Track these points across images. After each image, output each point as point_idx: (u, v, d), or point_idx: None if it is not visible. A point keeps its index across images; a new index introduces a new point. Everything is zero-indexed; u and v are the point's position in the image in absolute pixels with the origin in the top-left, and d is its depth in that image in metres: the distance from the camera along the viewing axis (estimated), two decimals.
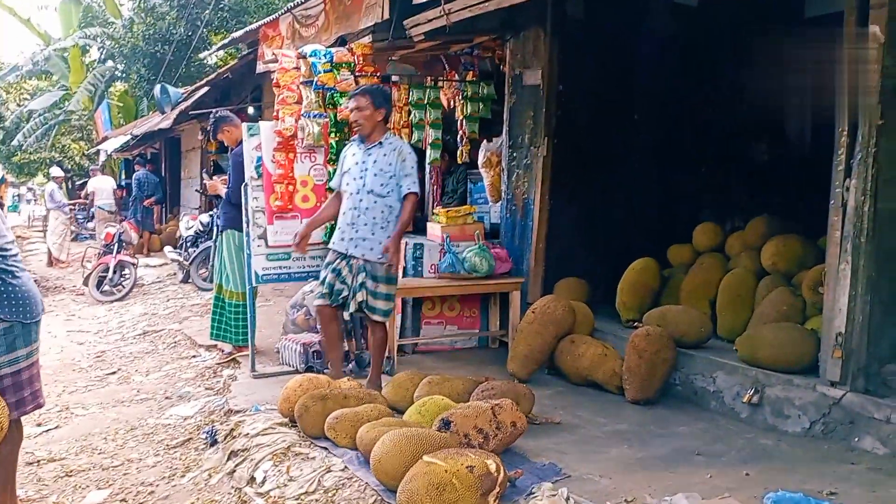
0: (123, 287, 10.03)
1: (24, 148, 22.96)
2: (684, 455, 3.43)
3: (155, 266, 12.08)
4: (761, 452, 3.47)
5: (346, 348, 5.18)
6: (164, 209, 17.15)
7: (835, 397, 3.54)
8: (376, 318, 4.35)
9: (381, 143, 4.34)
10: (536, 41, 5.42)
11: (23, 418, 3.21)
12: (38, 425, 4.82)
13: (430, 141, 6.03)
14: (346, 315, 4.82)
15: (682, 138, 6.09)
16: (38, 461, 4.28)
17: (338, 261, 4.35)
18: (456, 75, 6.25)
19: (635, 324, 4.70)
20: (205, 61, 18.56)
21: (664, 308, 4.63)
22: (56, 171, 15.42)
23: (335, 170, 5.09)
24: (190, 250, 10.27)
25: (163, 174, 17.72)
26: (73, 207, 16.61)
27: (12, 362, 3.03)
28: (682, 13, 5.37)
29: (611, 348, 4.49)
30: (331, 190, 4.86)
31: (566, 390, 4.46)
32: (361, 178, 4.32)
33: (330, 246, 4.46)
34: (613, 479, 3.12)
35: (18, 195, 37.18)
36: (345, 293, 4.32)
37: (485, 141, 6.19)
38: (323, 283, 4.39)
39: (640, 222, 5.83)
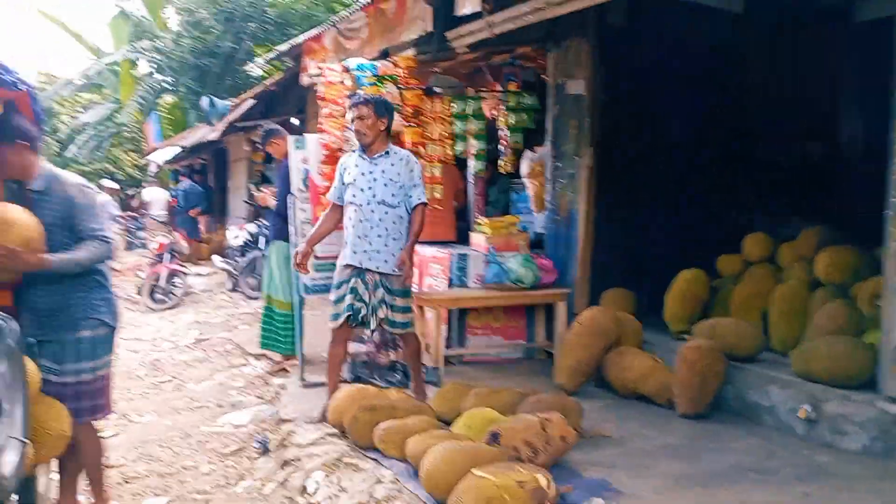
0: (175, 295, 10.28)
1: (77, 160, 23.72)
2: (738, 471, 3.38)
3: (205, 275, 12.35)
4: (818, 470, 3.40)
5: (393, 359, 5.24)
6: (211, 219, 17.53)
7: (895, 414, 3.45)
8: (398, 331, 4.32)
9: (387, 152, 4.24)
10: (579, 51, 5.41)
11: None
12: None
13: (474, 152, 6.06)
14: (367, 332, 4.93)
15: (728, 146, 6.01)
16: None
17: (353, 279, 4.21)
18: (498, 86, 6.27)
19: (685, 336, 4.65)
20: (250, 73, 18.92)
21: (714, 320, 4.56)
22: (109, 184, 15.89)
23: None
24: (238, 259, 10.49)
25: (210, 185, 18.11)
26: (125, 218, 17.09)
27: (106, 366, 3.26)
28: (727, 19, 5.30)
29: (660, 361, 4.44)
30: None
31: (614, 403, 4.43)
32: (370, 188, 4.20)
33: (340, 262, 4.30)
34: (665, 496, 3.09)
35: None
36: (363, 312, 4.23)
37: (528, 151, 6.20)
38: (339, 302, 4.25)
39: (687, 232, 5.76)
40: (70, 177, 3.22)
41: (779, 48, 5.72)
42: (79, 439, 3.25)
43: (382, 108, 4.25)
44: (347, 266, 4.24)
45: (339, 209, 4.37)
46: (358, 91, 5.06)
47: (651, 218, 5.73)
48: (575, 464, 3.41)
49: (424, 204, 4.28)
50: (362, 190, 4.21)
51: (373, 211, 4.20)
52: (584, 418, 3.87)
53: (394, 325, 4.27)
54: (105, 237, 3.15)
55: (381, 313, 4.21)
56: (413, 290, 4.45)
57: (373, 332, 4.77)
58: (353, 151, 4.39)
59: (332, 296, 4.32)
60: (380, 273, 4.18)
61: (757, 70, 5.91)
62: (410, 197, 4.24)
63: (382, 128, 4.24)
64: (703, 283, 5.03)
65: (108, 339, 3.29)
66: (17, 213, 2.94)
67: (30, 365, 2.98)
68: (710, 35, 5.62)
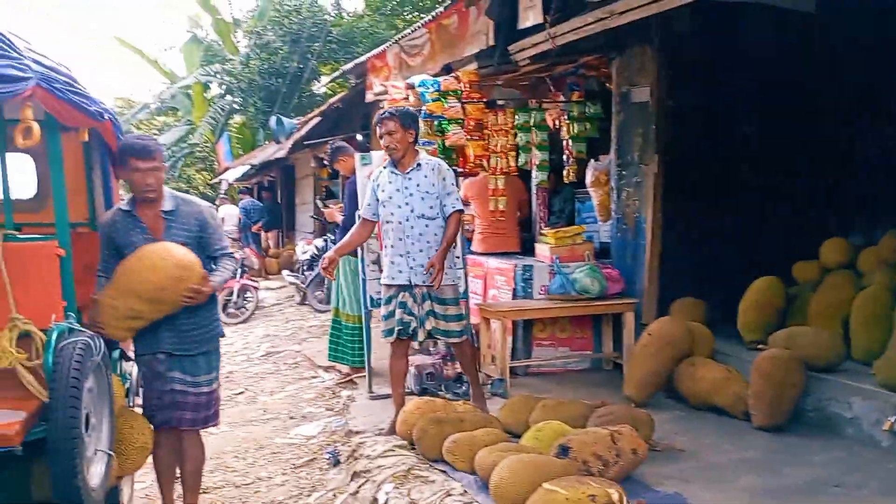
0: (247, 309, 10.58)
1: None
2: (820, 486, 3.25)
3: (274, 289, 12.67)
4: None
5: (459, 371, 5.25)
6: (279, 234, 17.99)
7: None
8: (454, 340, 4.31)
9: (419, 165, 4.19)
10: (643, 57, 5.35)
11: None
12: None
13: (538, 163, 6.05)
14: (415, 344, 4.86)
15: (801, 150, 5.81)
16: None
17: (401, 293, 4.20)
18: (561, 96, 6.24)
19: (759, 346, 4.50)
20: (315, 92, 19.40)
21: (791, 329, 4.41)
22: None
23: None
24: (306, 273, 10.72)
25: (279, 201, 18.60)
26: None
27: (218, 378, 3.52)
28: (798, 19, 5.15)
29: (734, 371, 4.32)
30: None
31: (686, 415, 4.32)
32: (407, 204, 4.16)
33: (386, 282, 4.28)
34: None
35: None
36: (413, 325, 4.22)
37: (592, 160, 6.14)
38: (389, 317, 4.26)
39: (760, 238, 5.59)
40: (196, 198, 3.54)
41: (861, 47, 5.49)
42: (188, 447, 3.52)
43: (409, 120, 4.21)
44: (396, 286, 4.24)
45: (370, 224, 4.39)
46: (423, 106, 5.13)
47: (722, 225, 5.59)
48: (647, 477, 3.35)
49: (460, 211, 4.25)
50: (399, 207, 4.19)
51: (412, 226, 4.17)
52: (656, 430, 3.79)
53: (448, 335, 4.28)
54: (232, 254, 3.49)
55: (429, 325, 4.22)
56: (464, 297, 4.48)
57: (420, 343, 4.82)
58: (384, 167, 4.35)
59: (382, 311, 4.34)
60: (427, 286, 4.18)
61: (834, 71, 5.69)
62: (445, 206, 4.21)
63: (411, 139, 4.23)
64: (778, 291, 4.86)
65: (219, 350, 3.57)
66: (186, 253, 3.17)
67: (114, 380, 3.14)
68: (783, 35, 5.46)
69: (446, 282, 4.18)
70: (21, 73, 2.21)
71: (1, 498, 2.50)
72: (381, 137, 4.25)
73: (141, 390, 3.60)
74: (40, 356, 2.71)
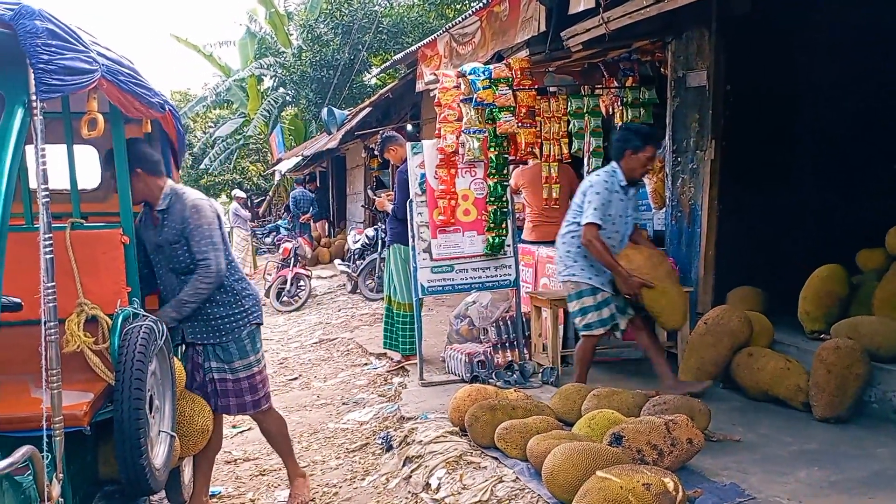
0: (300, 298, 10.78)
1: (209, 171, 25.35)
2: (886, 479, 3.14)
3: (326, 277, 12.86)
4: None
5: (510, 359, 5.25)
6: (330, 224, 18.23)
7: None
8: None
9: (636, 181, 4.45)
10: (700, 41, 5.22)
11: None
12: (234, 426, 5.29)
13: (591, 149, 5.97)
14: (492, 335, 5.32)
15: (865, 133, 5.59)
16: (236, 460, 4.71)
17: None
18: (615, 82, 6.14)
19: (821, 336, 4.38)
20: (366, 83, 19.54)
21: (855, 318, 4.26)
22: (238, 192, 16.88)
23: (497, 183, 5.20)
24: (357, 262, 10.85)
25: (330, 191, 18.84)
26: (254, 224, 18.09)
27: (260, 361, 3.60)
28: (861, 1, 4.96)
29: (794, 362, 4.20)
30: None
31: (744, 406, 4.23)
32: (629, 217, 4.45)
33: (603, 287, 4.37)
34: (804, 503, 2.92)
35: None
36: (620, 321, 4.41)
37: None
38: (598, 310, 4.40)
39: (823, 225, 5.42)
40: (190, 195, 3.41)
41: None
42: (266, 424, 3.77)
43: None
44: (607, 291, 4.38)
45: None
46: (473, 94, 5.10)
47: (781, 212, 5.44)
48: (703, 468, 3.29)
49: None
50: (626, 222, 4.42)
51: (622, 240, 4.42)
52: (713, 421, 3.72)
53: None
54: (203, 261, 3.32)
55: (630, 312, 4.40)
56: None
57: (498, 334, 5.26)
58: (612, 181, 4.35)
59: (594, 317, 4.39)
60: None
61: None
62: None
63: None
64: (841, 280, 4.71)
65: (259, 333, 3.64)
66: None
67: (176, 363, 3.23)
68: (845, 17, 5.26)
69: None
70: (88, 66, 2.28)
71: (70, 476, 2.60)
72: (648, 160, 4.38)
73: None
74: (107, 340, 2.81)
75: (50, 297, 2.18)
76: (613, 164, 4.38)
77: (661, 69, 5.86)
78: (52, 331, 2.19)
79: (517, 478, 3.36)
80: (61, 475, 2.28)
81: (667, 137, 5.59)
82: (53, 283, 2.20)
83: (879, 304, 4.45)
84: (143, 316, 2.90)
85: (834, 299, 4.66)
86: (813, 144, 5.57)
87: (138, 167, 3.24)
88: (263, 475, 4.40)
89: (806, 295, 4.72)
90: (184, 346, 3.54)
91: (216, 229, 3.37)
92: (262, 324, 3.65)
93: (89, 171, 4.00)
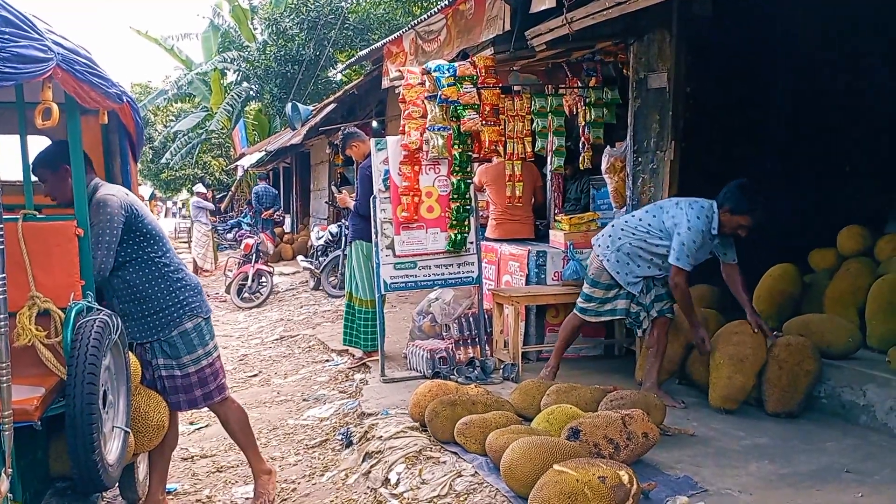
0: (261, 294, 10.67)
1: (170, 166, 24.94)
2: (832, 472, 3.24)
3: (288, 274, 12.75)
4: None
5: (471, 355, 5.28)
6: (293, 220, 18.08)
7: None
8: (670, 315, 4.43)
9: None
10: (662, 43, 5.29)
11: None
12: (191, 423, 5.23)
13: (554, 148, 6.03)
14: (454, 331, 5.34)
15: (821, 136, 5.75)
16: (193, 457, 4.65)
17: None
18: (578, 82, 6.21)
19: (774, 333, 4.48)
20: (331, 78, 19.42)
21: (806, 316, 4.39)
22: (199, 188, 16.62)
23: (460, 180, 5.22)
24: (320, 259, 10.79)
25: (294, 187, 18.68)
26: (215, 220, 17.84)
27: (210, 353, 3.53)
28: (820, 5, 5.09)
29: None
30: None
31: (699, 401, 4.32)
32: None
33: (624, 284, 4.41)
34: (755, 496, 3.00)
35: (166, 209, 40.29)
36: (642, 314, 4.43)
37: (608, 147, 6.11)
38: (606, 302, 4.46)
39: (777, 226, 5.54)
40: (102, 191, 3.23)
41: (884, 33, 5.41)
42: (222, 415, 3.68)
43: None
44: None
45: None
46: (438, 91, 5.11)
47: None
48: (658, 461, 3.36)
49: None
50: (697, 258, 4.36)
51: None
52: (668, 415, 3.80)
53: (663, 313, 4.41)
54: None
55: (655, 310, 4.40)
56: None
57: (460, 330, 5.29)
58: (708, 228, 4.28)
59: (597, 293, 4.44)
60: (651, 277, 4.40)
61: (857, 57, 5.61)
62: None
63: None
64: (793, 279, 4.84)
65: (208, 326, 3.57)
66: None
67: (131, 358, 3.18)
68: (804, 21, 5.40)
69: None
70: (42, 54, 2.23)
71: (20, 471, 2.54)
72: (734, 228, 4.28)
73: None
74: (59, 334, 2.75)
75: (0, 290, 2.14)
76: (715, 206, 4.25)
77: (624, 70, 5.94)
78: (3, 324, 2.14)
79: (476, 472, 3.38)
80: (10, 470, 2.23)
81: (628, 138, 5.67)
82: (4, 276, 2.16)
83: (830, 302, 4.59)
84: (97, 310, 2.85)
85: (786, 298, 4.79)
86: (770, 145, 5.71)
87: (66, 164, 3.08)
88: (220, 472, 4.35)
89: (759, 293, 4.84)
90: (133, 345, 3.46)
91: (109, 227, 3.16)
92: (207, 317, 3.54)
93: None
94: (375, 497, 3.58)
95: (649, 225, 4.36)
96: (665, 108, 5.26)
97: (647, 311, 4.42)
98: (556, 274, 5.39)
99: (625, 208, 5.81)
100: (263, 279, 10.86)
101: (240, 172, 20.40)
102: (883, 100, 5.66)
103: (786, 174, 5.69)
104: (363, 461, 3.96)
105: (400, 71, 6.37)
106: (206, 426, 5.21)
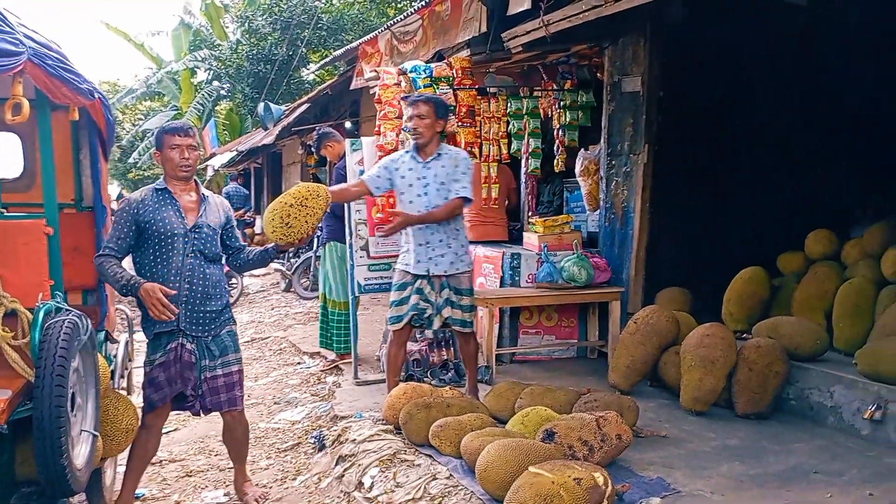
0: (232, 296, 10.52)
1: (138, 165, 24.52)
2: (801, 473, 3.30)
3: (259, 275, 12.62)
4: (885, 471, 3.29)
5: (445, 357, 5.27)
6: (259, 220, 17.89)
7: None
8: (466, 329, 4.32)
9: (438, 154, 4.19)
10: (636, 47, 5.36)
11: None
12: None
13: (530, 150, 6.05)
14: (429, 333, 5.03)
15: (792, 142, 5.85)
16: (161, 461, 4.56)
17: (418, 280, 4.21)
18: (553, 84, 6.25)
19: (744, 335, 4.55)
20: (304, 79, 19.28)
21: (775, 319, 4.46)
22: None
23: None
24: (292, 260, 10.68)
25: (265, 188, 18.49)
26: None
27: (240, 360, 3.62)
28: (791, 12, 5.17)
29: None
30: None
31: (671, 403, 4.36)
32: (425, 194, 4.16)
33: (401, 268, 4.30)
34: (725, 497, 3.04)
35: None
36: (429, 312, 4.24)
37: (582, 149, 6.16)
38: (401, 304, 4.26)
39: (747, 230, 5.64)
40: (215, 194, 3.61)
41: (854, 39, 5.51)
42: (236, 425, 3.67)
43: (442, 110, 4.24)
44: (413, 273, 4.23)
45: (365, 192, 4.33)
46: (415, 91, 5.11)
47: (710, 215, 5.63)
48: (631, 463, 3.38)
49: (464, 199, 4.16)
50: (419, 196, 4.18)
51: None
52: (641, 418, 3.83)
53: (463, 324, 4.29)
54: None
55: (446, 313, 4.24)
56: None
57: (434, 331, 4.92)
58: (406, 151, 4.34)
59: (393, 297, 4.32)
60: (447, 275, 4.21)
61: (829, 63, 5.71)
62: (450, 191, 4.15)
63: (439, 129, 4.23)
64: (762, 282, 4.92)
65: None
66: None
67: (101, 361, 3.12)
68: (776, 28, 5.47)
69: (463, 270, 4.25)
70: (13, 48, 2.18)
71: None
72: (409, 119, 4.23)
73: (146, 375, 3.49)
74: (26, 335, 2.69)
75: None
76: None
77: (598, 74, 5.99)
78: None
79: (451, 475, 3.37)
80: None
81: (602, 141, 5.72)
82: None
83: (798, 305, 4.67)
84: (67, 310, 2.79)
85: (756, 300, 4.87)
86: (742, 150, 5.79)
87: None
88: (190, 476, 4.28)
89: (730, 296, 4.91)
90: (171, 349, 3.38)
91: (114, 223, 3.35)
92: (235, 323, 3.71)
93: (11, 160, 3.83)
94: (349, 501, 3.55)
95: None
96: (639, 112, 5.32)
97: (438, 311, 4.26)
98: (531, 276, 5.41)
99: (598, 211, 5.87)
100: (233, 280, 10.70)
101: (210, 172, 20.13)
102: (854, 103, 5.78)
103: (756, 177, 5.77)
104: (336, 465, 3.93)
105: (376, 71, 6.35)
106: (175, 430, 5.12)
